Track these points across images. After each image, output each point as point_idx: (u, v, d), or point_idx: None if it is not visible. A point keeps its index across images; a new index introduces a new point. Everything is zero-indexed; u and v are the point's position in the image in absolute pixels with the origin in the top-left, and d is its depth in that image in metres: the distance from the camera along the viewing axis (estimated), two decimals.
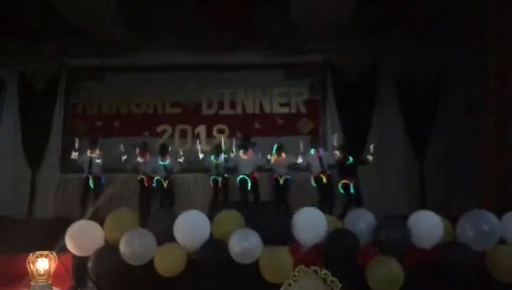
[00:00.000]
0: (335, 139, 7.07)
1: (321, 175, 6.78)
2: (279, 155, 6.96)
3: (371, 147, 6.87)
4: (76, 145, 7.09)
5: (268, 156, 7.01)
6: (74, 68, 8.39)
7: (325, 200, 6.68)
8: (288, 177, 6.99)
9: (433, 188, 7.68)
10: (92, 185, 6.90)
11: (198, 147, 7.20)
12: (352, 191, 6.69)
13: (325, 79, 8.27)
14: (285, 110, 8.30)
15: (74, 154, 7.04)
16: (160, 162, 6.98)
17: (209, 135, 8.18)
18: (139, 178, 7.11)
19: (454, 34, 7.20)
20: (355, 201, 6.63)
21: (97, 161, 6.97)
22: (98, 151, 7.01)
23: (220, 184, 6.93)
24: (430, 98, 7.92)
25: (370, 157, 6.81)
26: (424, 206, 7.04)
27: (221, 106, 8.34)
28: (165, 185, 6.92)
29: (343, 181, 6.75)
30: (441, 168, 7.75)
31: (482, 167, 5.94)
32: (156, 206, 6.96)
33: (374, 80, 8.05)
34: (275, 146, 7.02)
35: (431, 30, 7.36)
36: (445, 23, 7.17)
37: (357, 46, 7.70)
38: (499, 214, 3.87)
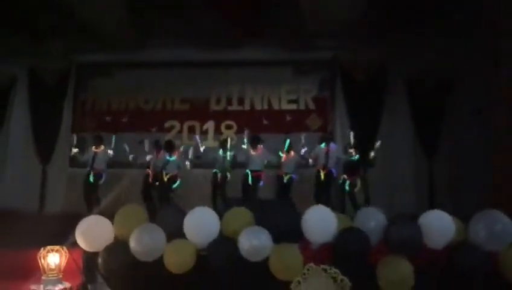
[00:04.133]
0: (351, 137, 6.83)
1: (321, 170, 6.61)
2: (289, 151, 6.84)
3: (377, 143, 6.72)
4: (75, 142, 7.09)
5: (280, 153, 6.92)
6: (83, 65, 8.41)
7: (320, 196, 6.52)
8: (294, 176, 6.83)
9: (442, 188, 7.61)
10: (91, 180, 6.84)
11: (198, 140, 7.12)
12: (347, 188, 6.60)
13: (334, 76, 8.19)
14: (293, 106, 8.25)
15: (74, 151, 7.06)
16: (168, 158, 6.98)
17: (217, 131, 8.18)
18: (145, 173, 7.08)
19: (465, 34, 7.11)
20: (352, 200, 6.57)
21: (102, 156, 6.89)
22: (102, 147, 6.95)
23: (218, 179, 6.81)
24: (440, 97, 7.81)
25: (372, 154, 6.63)
26: (432, 205, 7.00)
27: (229, 102, 8.32)
28: (165, 179, 6.84)
29: (343, 176, 6.68)
30: (450, 167, 7.66)
31: (493, 167, 5.88)
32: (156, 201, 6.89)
33: (383, 78, 7.95)
34: (287, 141, 6.88)
35: (441, 29, 7.27)
36: (456, 22, 7.08)
37: (366, 44, 7.61)
38: (511, 214, 3.82)
